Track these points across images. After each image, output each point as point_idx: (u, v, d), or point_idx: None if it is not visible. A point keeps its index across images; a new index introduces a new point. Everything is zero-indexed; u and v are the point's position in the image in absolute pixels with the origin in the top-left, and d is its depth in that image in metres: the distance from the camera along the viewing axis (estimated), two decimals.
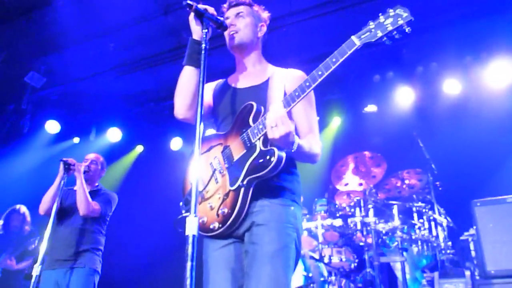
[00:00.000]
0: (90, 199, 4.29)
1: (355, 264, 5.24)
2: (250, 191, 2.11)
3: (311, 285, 4.84)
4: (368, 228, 5.10)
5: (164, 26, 6.06)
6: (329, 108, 7.42)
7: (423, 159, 5.76)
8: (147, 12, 5.94)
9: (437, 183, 5.72)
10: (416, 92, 6.68)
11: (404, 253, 4.86)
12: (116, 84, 7.28)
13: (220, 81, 2.63)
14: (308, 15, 5.69)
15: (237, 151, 2.19)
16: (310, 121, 2.35)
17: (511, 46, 5.86)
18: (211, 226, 2.14)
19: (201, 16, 2.17)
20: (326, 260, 5.19)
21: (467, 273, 4.58)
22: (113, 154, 8.36)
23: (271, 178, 2.12)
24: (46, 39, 6.46)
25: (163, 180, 7.21)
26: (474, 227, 4.14)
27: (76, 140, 8.36)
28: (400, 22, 1.91)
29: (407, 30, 1.92)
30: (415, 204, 5.48)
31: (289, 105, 2.07)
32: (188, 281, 1.54)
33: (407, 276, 4.72)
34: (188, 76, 2.33)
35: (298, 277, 4.78)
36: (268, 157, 2.05)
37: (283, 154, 2.07)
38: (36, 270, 3.59)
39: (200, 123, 1.81)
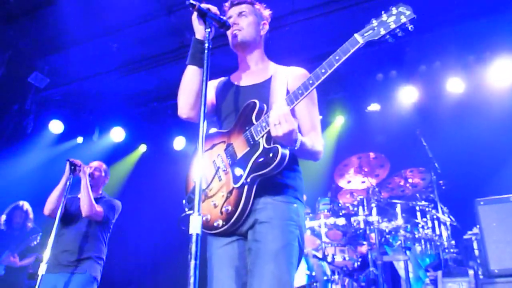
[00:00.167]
0: (93, 200, 4.30)
1: (358, 263, 5.23)
2: (254, 188, 2.12)
3: (314, 284, 4.84)
4: (371, 227, 5.10)
5: (167, 26, 6.07)
6: (332, 107, 7.43)
7: (426, 158, 5.75)
8: (150, 12, 5.94)
9: (441, 182, 5.71)
10: (419, 91, 6.68)
11: (407, 252, 4.85)
12: (119, 84, 7.29)
13: (223, 79, 2.64)
14: (310, 14, 5.69)
15: (240, 149, 2.20)
16: (312, 118, 2.35)
17: None
18: (215, 224, 2.14)
19: (204, 15, 2.18)
20: (329, 259, 5.19)
21: (471, 272, 4.57)
22: (116, 153, 8.39)
23: (274, 175, 2.12)
24: (50, 39, 6.48)
25: (166, 180, 7.22)
26: (478, 226, 4.12)
27: (79, 140, 8.38)
28: (403, 20, 1.91)
29: (410, 28, 1.93)
30: (419, 203, 5.48)
31: (292, 103, 2.07)
32: (191, 280, 1.54)
33: (410, 275, 4.71)
34: (191, 75, 2.34)
35: (301, 276, 4.79)
36: (271, 155, 2.06)
37: (287, 152, 2.08)
38: (42, 269, 3.61)
39: (203, 122, 1.82)
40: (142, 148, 8.96)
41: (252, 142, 2.16)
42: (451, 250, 5.26)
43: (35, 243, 5.68)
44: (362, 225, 5.27)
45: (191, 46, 2.34)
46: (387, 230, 5.17)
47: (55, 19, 5.98)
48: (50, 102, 7.79)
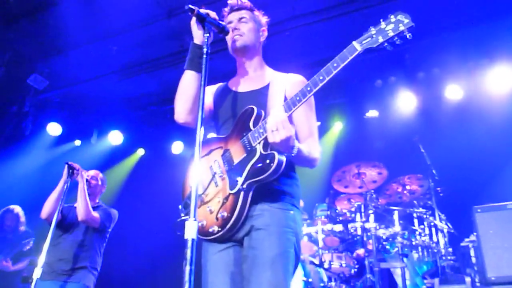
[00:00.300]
0: (90, 205, 4.28)
1: (355, 270, 5.22)
2: (250, 194, 2.11)
3: None
4: (369, 233, 5.09)
5: (166, 30, 6.07)
6: (330, 113, 7.44)
7: (424, 164, 5.76)
8: (150, 15, 5.95)
9: (438, 189, 5.71)
10: (418, 97, 6.69)
11: (405, 259, 4.85)
12: (118, 87, 7.29)
13: (221, 84, 2.64)
14: (310, 19, 5.70)
15: (237, 155, 2.20)
16: (310, 125, 2.35)
17: None
18: (210, 230, 2.14)
19: (202, 20, 2.18)
20: (326, 265, 5.18)
21: (468, 279, 4.57)
22: (114, 157, 8.39)
23: (271, 182, 2.12)
24: (49, 41, 6.48)
25: (164, 184, 7.21)
26: (475, 233, 4.14)
27: (77, 142, 8.37)
28: (401, 28, 1.92)
29: (408, 36, 1.93)
30: (416, 210, 5.48)
31: (290, 110, 2.07)
32: (186, 286, 1.53)
33: (407, 282, 4.70)
34: (188, 80, 2.33)
35: (298, 282, 4.77)
36: (268, 161, 2.05)
37: (283, 158, 2.07)
38: (36, 273, 3.58)
39: (201, 127, 1.81)
40: (140, 151, 8.95)
41: (249, 148, 2.15)
42: (448, 257, 5.25)
43: (28, 247, 5.65)
44: (359, 232, 5.27)
45: (189, 51, 2.33)
46: (384, 237, 5.17)
47: (55, 21, 5.98)
48: (48, 104, 7.79)
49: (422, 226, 5.42)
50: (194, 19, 2.24)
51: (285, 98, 2.28)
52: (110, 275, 5.09)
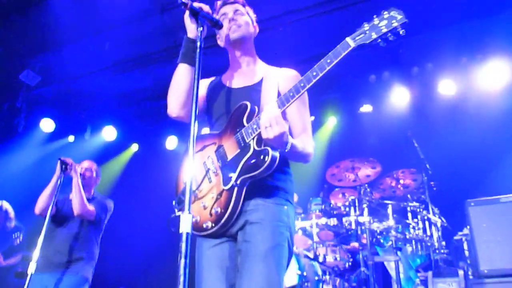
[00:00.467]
0: (85, 199, 4.27)
1: (350, 263, 5.25)
2: (244, 190, 2.11)
3: (305, 284, 4.85)
4: (363, 227, 5.12)
5: (160, 24, 6.04)
6: (324, 108, 7.45)
7: (418, 159, 5.78)
8: (143, 10, 5.91)
9: (432, 183, 5.74)
10: (411, 92, 6.72)
11: (398, 253, 4.87)
12: (112, 83, 7.26)
13: (214, 79, 2.62)
14: (303, 15, 5.69)
15: (231, 151, 2.20)
16: (303, 121, 2.35)
17: (506, 47, 5.90)
18: (204, 225, 2.14)
19: (196, 14, 2.16)
20: (320, 259, 5.20)
21: (461, 272, 4.60)
22: (108, 152, 8.35)
23: (265, 177, 2.12)
24: (41, 37, 6.43)
25: (158, 179, 7.21)
26: (468, 226, 4.16)
27: (71, 138, 8.34)
28: (395, 24, 1.91)
29: (401, 32, 1.93)
30: (410, 204, 5.51)
31: (283, 106, 2.07)
32: (181, 279, 1.54)
33: (401, 276, 4.73)
34: (182, 74, 2.32)
35: (292, 276, 4.79)
36: (262, 157, 2.06)
37: (277, 154, 2.08)
38: (31, 268, 3.57)
39: (194, 122, 1.81)
40: (134, 147, 8.92)
41: (242, 144, 2.15)
42: (442, 251, 5.29)
43: (18, 241, 5.61)
44: (353, 226, 5.29)
45: (182, 45, 2.31)
46: (378, 231, 5.20)
47: (47, 16, 5.93)
48: (41, 100, 7.73)
49: (415, 220, 5.45)
50: (187, 13, 2.22)
51: (279, 93, 2.28)
52: (104, 271, 5.08)
